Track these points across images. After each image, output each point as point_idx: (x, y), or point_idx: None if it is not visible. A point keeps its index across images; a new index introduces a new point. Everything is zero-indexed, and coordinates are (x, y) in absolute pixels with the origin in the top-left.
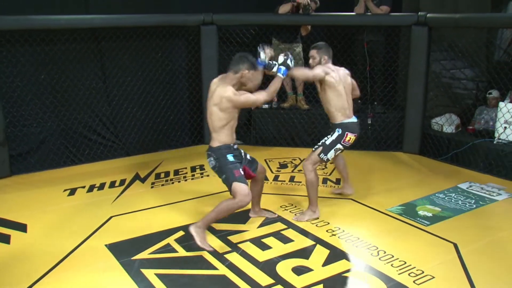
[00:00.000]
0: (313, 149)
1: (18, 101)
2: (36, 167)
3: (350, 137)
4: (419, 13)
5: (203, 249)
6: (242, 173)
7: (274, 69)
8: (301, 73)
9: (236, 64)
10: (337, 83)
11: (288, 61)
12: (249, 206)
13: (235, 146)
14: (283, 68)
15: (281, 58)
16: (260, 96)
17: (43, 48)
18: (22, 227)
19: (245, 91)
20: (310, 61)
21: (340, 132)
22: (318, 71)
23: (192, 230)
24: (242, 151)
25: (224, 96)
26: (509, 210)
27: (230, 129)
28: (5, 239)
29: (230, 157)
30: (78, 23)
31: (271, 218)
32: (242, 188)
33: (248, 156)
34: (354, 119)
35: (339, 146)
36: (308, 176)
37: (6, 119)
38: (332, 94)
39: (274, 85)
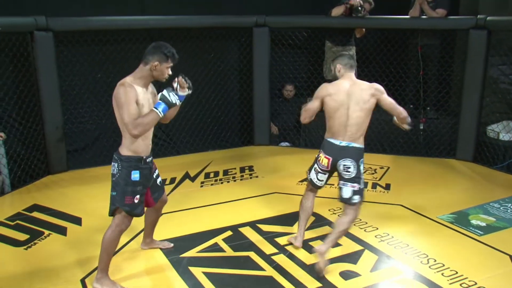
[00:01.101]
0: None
1: (76, 99)
2: (90, 163)
3: (321, 156)
4: (478, 16)
5: None
6: (137, 201)
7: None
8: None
9: (146, 54)
10: (335, 106)
11: (168, 94)
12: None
13: (149, 160)
14: (162, 105)
15: (162, 92)
16: (132, 126)
17: (101, 48)
18: (77, 221)
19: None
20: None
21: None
22: (308, 105)
23: (95, 284)
24: (156, 171)
25: (114, 92)
26: None
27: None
28: (62, 231)
29: (135, 175)
30: (134, 23)
31: (166, 248)
32: (122, 213)
33: (158, 180)
34: (336, 141)
35: (315, 166)
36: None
37: (65, 116)
38: (327, 113)
39: (144, 119)
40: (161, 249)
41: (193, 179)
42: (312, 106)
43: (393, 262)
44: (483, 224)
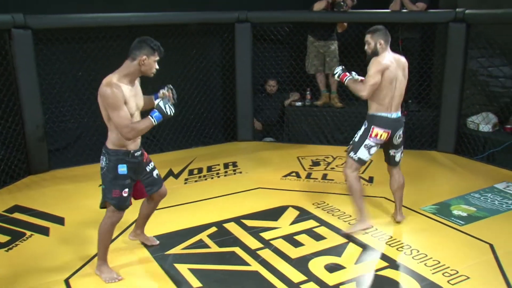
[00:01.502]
0: (347, 151)
1: (56, 97)
2: (73, 162)
3: (377, 132)
4: (457, 9)
5: (118, 280)
6: (126, 194)
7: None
8: (354, 88)
9: (133, 49)
10: (392, 78)
11: (162, 105)
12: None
13: (137, 153)
14: (156, 114)
15: (155, 102)
16: (126, 130)
17: (81, 45)
18: (60, 220)
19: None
20: (366, 47)
21: (366, 125)
22: (374, 79)
23: (97, 272)
24: (151, 164)
25: (100, 92)
26: None
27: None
28: (45, 231)
29: (121, 169)
30: (115, 21)
31: (152, 244)
32: (111, 206)
33: (155, 173)
34: (389, 114)
35: (367, 142)
36: (347, 183)
37: (45, 115)
38: (380, 87)
39: (140, 125)
40: (146, 245)
41: (176, 176)
42: (377, 80)
43: (377, 254)
44: (465, 214)
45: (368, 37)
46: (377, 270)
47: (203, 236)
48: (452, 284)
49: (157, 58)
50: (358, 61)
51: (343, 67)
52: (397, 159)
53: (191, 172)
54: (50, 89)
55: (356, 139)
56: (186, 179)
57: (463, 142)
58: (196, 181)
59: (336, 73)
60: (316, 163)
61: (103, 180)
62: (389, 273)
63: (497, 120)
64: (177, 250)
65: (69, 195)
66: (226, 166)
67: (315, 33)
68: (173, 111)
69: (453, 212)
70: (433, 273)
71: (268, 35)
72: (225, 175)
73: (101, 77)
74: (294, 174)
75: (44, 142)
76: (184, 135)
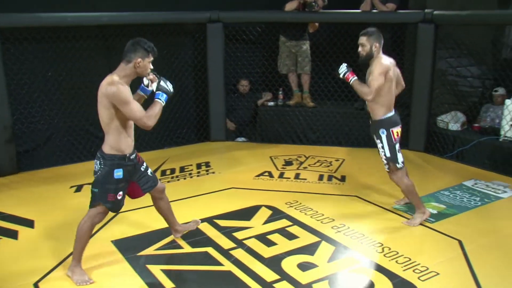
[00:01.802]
0: (386, 167)
1: (25, 98)
2: (43, 164)
3: (397, 131)
4: (425, 10)
5: (89, 283)
6: (120, 197)
7: (148, 93)
8: (361, 90)
9: (127, 52)
10: (392, 78)
11: (163, 83)
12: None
13: (132, 156)
14: (164, 95)
15: (154, 85)
16: (146, 119)
17: (51, 45)
18: (29, 223)
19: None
20: (360, 49)
21: (385, 133)
22: (378, 82)
23: (69, 273)
24: (144, 164)
25: (105, 92)
26: None
27: (118, 130)
28: (13, 234)
29: (118, 173)
30: (86, 20)
31: (197, 226)
32: (101, 208)
33: (149, 171)
34: (394, 112)
35: (397, 146)
36: (401, 186)
37: (14, 116)
38: (385, 88)
39: (154, 110)
40: (117, 246)
41: None
42: (381, 82)
43: (349, 252)
44: (435, 211)
45: (363, 40)
46: (349, 268)
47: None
48: (422, 281)
49: (151, 59)
50: (330, 60)
51: (347, 65)
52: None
53: (163, 173)
54: (18, 89)
55: (388, 154)
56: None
57: (433, 141)
58: (168, 181)
59: (342, 71)
60: (288, 163)
61: (96, 183)
62: (361, 270)
63: (466, 119)
64: (149, 251)
65: (39, 197)
66: (199, 166)
67: (287, 33)
68: (172, 87)
69: None
70: (404, 270)
71: (240, 35)
72: (198, 176)
73: (72, 78)
74: (267, 173)
75: (12, 143)
76: (157, 135)
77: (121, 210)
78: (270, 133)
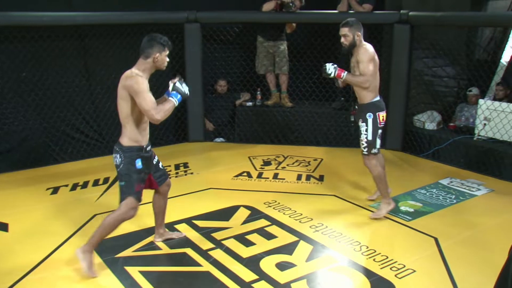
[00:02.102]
0: (364, 150)
1: None
2: (18, 166)
3: (382, 115)
4: (401, 11)
5: (91, 276)
6: (143, 186)
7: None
8: (357, 81)
9: (145, 48)
10: (377, 63)
11: (179, 85)
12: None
13: (148, 148)
14: (175, 94)
15: (170, 85)
16: (154, 111)
17: (25, 45)
18: (3, 227)
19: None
20: (342, 39)
21: (372, 116)
22: (369, 69)
23: (79, 253)
24: (155, 157)
25: (124, 84)
26: (488, 204)
27: (136, 122)
28: None
29: (138, 164)
30: (61, 20)
31: (179, 238)
32: (132, 202)
33: (160, 165)
34: (380, 98)
35: (380, 132)
36: (374, 172)
37: None
38: (372, 75)
39: (164, 106)
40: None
41: None
42: (372, 68)
43: (327, 251)
44: (411, 210)
45: (345, 30)
46: (327, 267)
47: (154, 238)
48: (399, 278)
49: (167, 52)
50: (308, 61)
51: (334, 64)
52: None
53: None
54: None
55: (370, 137)
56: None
57: (409, 140)
58: None
59: (331, 72)
60: (267, 163)
61: (122, 176)
62: (339, 269)
63: (441, 118)
64: (127, 252)
65: (14, 200)
66: (177, 167)
67: (264, 33)
68: (188, 90)
69: (401, 208)
70: (381, 268)
71: (218, 36)
72: (176, 176)
73: (47, 78)
74: (245, 174)
75: None
76: None
77: (98, 212)
78: (249, 133)
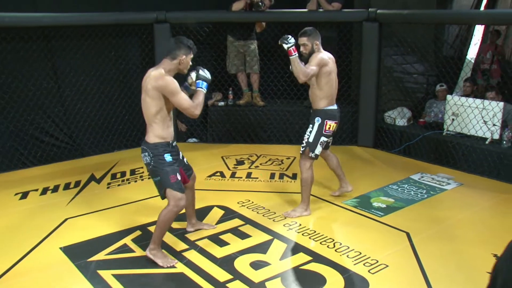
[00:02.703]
0: (302, 148)
1: None
2: None
3: (330, 124)
4: (369, 9)
5: (171, 267)
6: (179, 177)
7: (190, 92)
8: (298, 68)
9: (172, 49)
10: (331, 71)
11: (202, 72)
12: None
13: (174, 143)
14: (201, 82)
15: (193, 75)
16: (193, 109)
17: None
18: None
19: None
20: (302, 48)
21: (320, 121)
22: (314, 69)
23: (149, 254)
24: (180, 152)
25: (156, 84)
26: (457, 198)
27: (163, 119)
28: None
29: (168, 157)
30: (25, 21)
31: (210, 228)
32: (174, 193)
33: (185, 160)
34: (334, 107)
35: (323, 139)
36: (303, 174)
37: None
38: (325, 81)
39: (199, 99)
40: (66, 253)
41: (99, 180)
42: (316, 71)
43: (301, 249)
44: (384, 205)
45: (304, 40)
46: (301, 265)
47: (127, 240)
48: (372, 273)
49: (192, 56)
50: (278, 59)
51: (295, 42)
52: (330, 143)
53: (113, 176)
54: None
55: (311, 140)
56: (109, 184)
57: (381, 136)
58: (119, 185)
59: (290, 42)
60: (240, 162)
61: (155, 173)
62: (313, 267)
63: (411, 114)
64: (100, 256)
65: None
66: None
67: (234, 32)
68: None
69: (373, 204)
70: (354, 264)
71: (188, 36)
72: (149, 178)
73: (13, 80)
74: (218, 174)
75: None
76: (106, 138)
77: (69, 216)
78: (221, 133)
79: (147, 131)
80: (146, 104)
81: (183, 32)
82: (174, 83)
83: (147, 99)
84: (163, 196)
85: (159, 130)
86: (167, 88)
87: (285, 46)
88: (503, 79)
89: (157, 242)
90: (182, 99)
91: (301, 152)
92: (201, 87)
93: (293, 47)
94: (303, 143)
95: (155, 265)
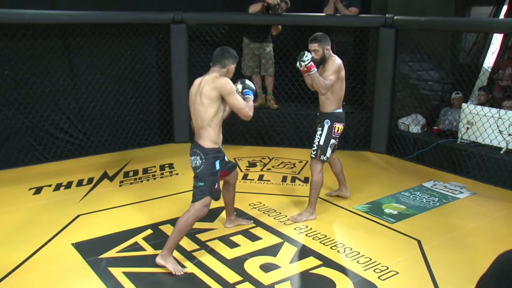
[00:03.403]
0: (313, 152)
1: None
2: (0, 165)
3: (339, 127)
4: (386, 15)
5: (183, 272)
6: (218, 185)
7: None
8: (320, 83)
9: (221, 58)
10: (343, 81)
11: (248, 82)
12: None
13: (221, 148)
14: (249, 91)
15: (239, 86)
16: (248, 109)
17: (6, 43)
18: None
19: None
20: (312, 54)
21: (329, 123)
22: (333, 78)
23: (160, 260)
24: (224, 154)
25: (214, 85)
26: (470, 207)
27: (218, 123)
28: None
29: (217, 165)
30: (44, 18)
31: (248, 224)
32: (208, 200)
33: (226, 158)
34: (342, 110)
35: (332, 141)
36: (314, 176)
37: None
38: (339, 86)
39: (251, 103)
40: (78, 249)
41: (111, 178)
42: (334, 80)
43: (311, 253)
44: (395, 212)
45: (315, 46)
46: (311, 269)
47: (138, 238)
48: (382, 280)
49: (235, 64)
50: (293, 63)
51: (312, 56)
52: (336, 147)
53: (126, 175)
54: None
55: (322, 143)
56: (121, 182)
57: (394, 143)
58: (131, 183)
59: (308, 59)
60: (252, 164)
61: (201, 178)
62: (323, 271)
63: (425, 121)
64: (111, 254)
65: None
66: (162, 167)
67: (250, 35)
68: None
69: (385, 211)
70: (364, 270)
71: (204, 37)
72: (161, 177)
73: (30, 76)
74: None
75: None
76: (119, 137)
77: (82, 212)
78: (234, 134)
79: (201, 135)
80: (204, 107)
81: (199, 33)
82: (231, 84)
83: (204, 101)
84: (195, 200)
85: (214, 136)
86: (225, 87)
87: (305, 62)
88: None
89: (172, 248)
90: (238, 99)
91: (313, 156)
92: (250, 95)
93: (310, 63)
94: (313, 147)
95: None
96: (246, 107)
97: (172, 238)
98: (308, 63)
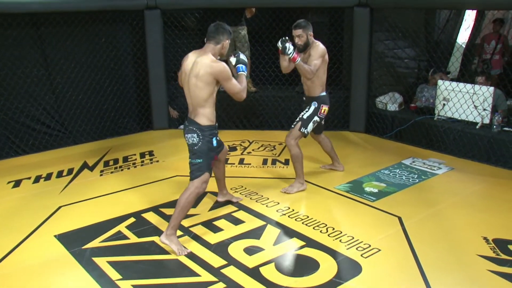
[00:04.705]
0: (292, 125)
1: None
2: None
3: (325, 108)
4: None
5: (186, 253)
6: (214, 162)
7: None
8: (305, 69)
9: (216, 34)
10: (327, 61)
11: (241, 56)
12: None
13: (216, 125)
14: (242, 66)
15: (233, 60)
16: (243, 92)
17: None
18: None
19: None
20: (297, 40)
21: (316, 105)
22: (317, 63)
23: (164, 239)
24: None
25: (211, 70)
26: (448, 182)
27: (213, 103)
28: None
29: (214, 142)
30: (14, 7)
31: (237, 201)
32: (207, 176)
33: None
34: (327, 93)
35: (316, 118)
36: (292, 151)
37: None
38: (322, 70)
39: (244, 83)
40: (61, 241)
41: (91, 168)
42: (318, 65)
43: (294, 234)
44: (376, 190)
45: (299, 31)
46: (294, 250)
47: (122, 227)
48: (365, 258)
49: (229, 40)
50: (270, 45)
51: (293, 46)
52: (323, 127)
53: (106, 164)
54: None
55: (305, 117)
56: (101, 171)
57: (372, 122)
58: (112, 172)
59: (290, 52)
60: (232, 148)
61: (200, 154)
62: (306, 251)
63: (403, 99)
64: (95, 243)
65: None
66: (142, 155)
67: (224, 19)
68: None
69: (365, 189)
70: (347, 249)
71: (179, 22)
72: (141, 165)
73: (2, 68)
74: None
75: None
76: (98, 126)
77: (63, 203)
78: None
79: (197, 113)
80: (199, 89)
81: (174, 19)
82: (228, 69)
83: (199, 84)
84: (194, 178)
85: (210, 114)
86: (222, 73)
87: (288, 55)
88: (505, 71)
89: (176, 227)
90: (235, 84)
91: (292, 126)
92: (243, 71)
93: (294, 54)
94: (296, 120)
95: (149, 251)
96: (241, 91)
97: (175, 217)
98: (292, 55)
